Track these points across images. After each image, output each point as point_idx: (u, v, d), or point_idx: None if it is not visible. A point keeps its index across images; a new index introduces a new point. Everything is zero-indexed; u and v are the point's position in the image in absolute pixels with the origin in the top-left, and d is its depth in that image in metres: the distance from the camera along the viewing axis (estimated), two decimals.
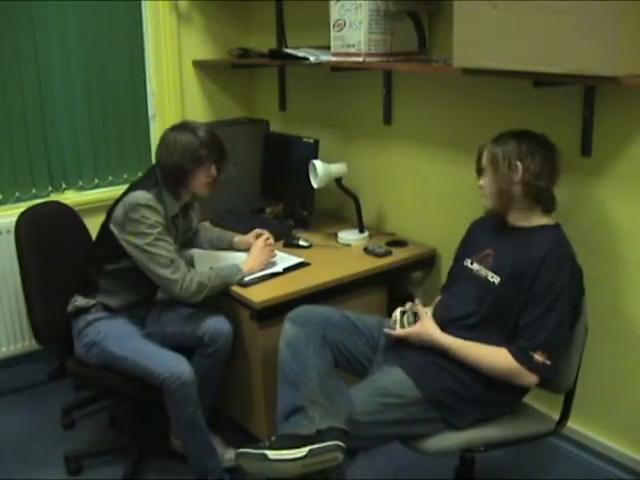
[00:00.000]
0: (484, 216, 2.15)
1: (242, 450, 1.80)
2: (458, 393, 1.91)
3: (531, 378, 1.85)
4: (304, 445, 1.74)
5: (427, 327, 1.99)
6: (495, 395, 1.92)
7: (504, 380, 1.88)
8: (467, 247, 2.16)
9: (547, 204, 1.98)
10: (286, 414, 1.89)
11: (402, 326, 2.05)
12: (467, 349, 1.91)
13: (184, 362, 2.21)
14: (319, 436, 1.76)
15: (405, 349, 2.02)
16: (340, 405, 1.84)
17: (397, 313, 2.08)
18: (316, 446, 1.73)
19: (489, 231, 2.09)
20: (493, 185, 1.97)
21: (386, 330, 2.07)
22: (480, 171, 2.04)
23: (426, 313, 2.05)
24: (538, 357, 1.83)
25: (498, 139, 1.99)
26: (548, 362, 1.83)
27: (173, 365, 2.19)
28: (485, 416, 1.94)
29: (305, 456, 1.73)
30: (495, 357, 1.88)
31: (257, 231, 2.66)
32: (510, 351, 1.86)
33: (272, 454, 1.75)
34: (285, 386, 1.96)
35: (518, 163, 1.92)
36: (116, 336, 2.29)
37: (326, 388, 1.89)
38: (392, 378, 1.94)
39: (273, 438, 1.83)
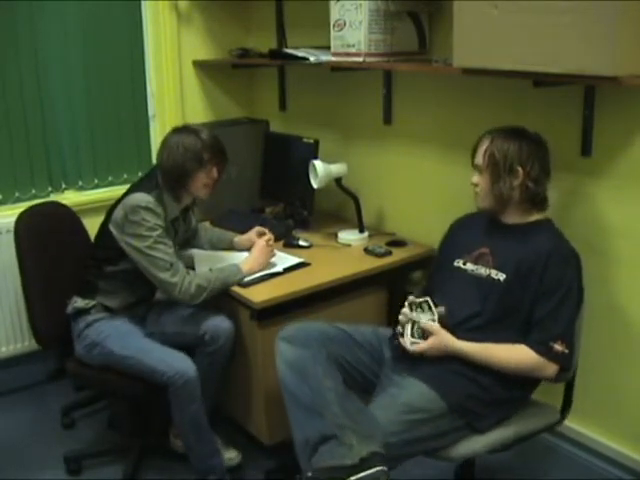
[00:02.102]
0: (466, 215, 2.15)
1: None
2: (479, 397, 1.89)
3: (553, 369, 1.86)
4: (349, 475, 1.65)
5: (443, 338, 1.92)
6: (511, 393, 1.92)
7: (528, 376, 1.89)
8: (453, 248, 2.13)
9: (542, 204, 1.99)
10: (314, 444, 1.76)
11: (412, 336, 1.95)
12: (487, 352, 1.89)
13: (188, 360, 2.23)
14: (363, 464, 1.66)
15: (417, 359, 1.94)
16: (369, 427, 1.75)
17: (407, 325, 1.97)
18: (361, 475, 1.65)
19: (478, 230, 2.08)
20: (490, 187, 1.96)
21: (403, 344, 1.96)
22: (473, 159, 2.02)
23: (434, 321, 1.95)
24: (558, 347, 1.84)
25: (495, 136, 1.96)
26: (567, 351, 1.85)
27: (177, 363, 2.20)
28: (504, 416, 1.93)
29: None
30: (516, 354, 1.88)
31: (258, 229, 2.66)
32: (529, 346, 1.86)
33: None
34: (302, 414, 1.84)
35: (519, 168, 1.91)
36: (119, 336, 2.30)
37: (348, 409, 1.79)
38: (414, 392, 1.86)
39: (309, 474, 1.72)
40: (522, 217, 1.99)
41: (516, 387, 1.91)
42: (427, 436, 1.83)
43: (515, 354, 1.88)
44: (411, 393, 1.86)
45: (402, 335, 1.98)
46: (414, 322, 1.96)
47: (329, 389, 1.84)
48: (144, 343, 2.31)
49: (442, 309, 1.98)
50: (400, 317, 2.02)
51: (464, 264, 2.05)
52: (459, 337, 1.93)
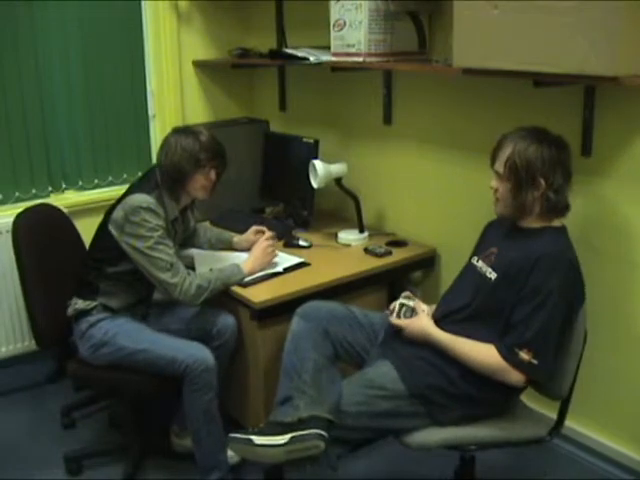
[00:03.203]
0: (496, 218, 2.15)
1: (232, 435, 1.89)
2: (444, 389, 1.92)
3: (516, 376, 1.84)
4: (286, 432, 1.81)
5: (421, 320, 2.01)
6: (485, 394, 1.92)
7: (492, 377, 1.88)
8: (477, 247, 2.17)
9: (562, 211, 1.96)
10: (278, 403, 1.96)
11: (398, 317, 2.06)
12: (456, 343, 1.92)
13: (205, 349, 2.25)
14: (301, 424, 1.82)
15: (398, 343, 2.04)
16: (328, 395, 1.89)
17: (396, 304, 2.09)
18: (298, 433, 1.80)
19: (498, 231, 2.09)
20: (510, 195, 1.92)
21: (386, 315, 2.10)
22: (492, 163, 1.97)
23: (423, 311, 2.06)
24: (524, 355, 1.82)
25: (518, 143, 1.89)
26: (534, 361, 1.82)
27: (196, 351, 2.23)
28: (472, 414, 1.94)
29: (287, 443, 1.80)
30: (482, 352, 1.88)
31: (255, 228, 2.66)
32: (497, 347, 1.86)
33: (257, 439, 1.83)
34: (283, 376, 2.02)
35: (541, 180, 1.87)
36: (128, 332, 2.30)
37: (318, 379, 1.94)
38: (379, 371, 1.97)
39: (261, 424, 1.94)
40: (539, 222, 1.96)
41: (490, 389, 1.90)
42: (385, 413, 1.91)
43: (481, 352, 1.88)
44: (376, 371, 1.98)
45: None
46: (402, 304, 2.08)
47: (310, 359, 1.99)
48: (155, 336, 2.31)
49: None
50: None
51: (477, 261, 2.07)
52: (445, 326, 1.98)
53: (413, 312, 2.06)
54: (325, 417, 1.83)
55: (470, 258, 2.14)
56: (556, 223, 1.97)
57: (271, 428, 1.86)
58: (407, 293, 2.15)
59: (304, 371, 1.96)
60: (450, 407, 1.92)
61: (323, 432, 1.79)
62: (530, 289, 1.84)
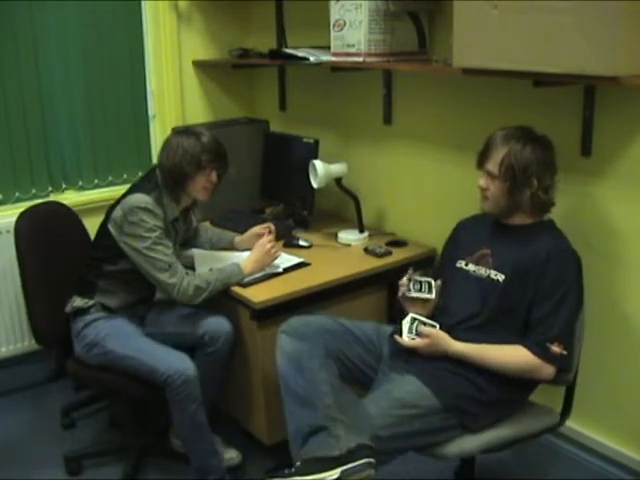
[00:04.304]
0: (471, 216, 2.15)
1: None
2: (474, 397, 1.89)
3: (550, 370, 1.86)
4: (336, 466, 1.68)
5: (440, 337, 1.93)
6: (507, 394, 1.92)
7: (523, 377, 1.88)
8: (456, 248, 2.14)
9: (549, 209, 1.99)
10: (304, 435, 1.80)
11: (410, 333, 1.98)
12: (484, 353, 1.90)
13: (187, 360, 2.23)
14: (350, 455, 1.69)
15: (414, 357, 1.96)
16: (360, 420, 1.78)
17: (407, 319, 2.00)
18: (349, 466, 1.67)
19: (481, 231, 2.08)
20: (503, 194, 1.94)
21: (397, 339, 1.98)
22: (482, 162, 1.98)
23: (434, 326, 1.99)
24: (555, 349, 1.84)
25: (512, 146, 1.91)
26: (565, 352, 1.85)
27: (177, 363, 2.21)
28: (499, 417, 1.93)
29: (338, 478, 1.67)
30: (511, 355, 1.88)
31: (261, 226, 2.65)
32: (527, 347, 1.86)
33: None
34: (296, 405, 1.87)
35: (535, 181, 1.90)
36: (118, 335, 2.30)
37: (340, 402, 1.82)
38: (408, 388, 1.88)
39: (298, 463, 1.74)
40: (526, 219, 1.99)
41: (513, 388, 1.91)
42: (418, 432, 1.84)
43: (511, 355, 1.88)
44: (404, 389, 1.88)
45: (400, 333, 1.99)
46: (414, 319, 1.99)
47: (324, 382, 1.86)
48: (143, 343, 2.31)
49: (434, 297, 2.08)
50: (400, 290, 2.11)
51: (466, 265, 2.06)
52: (457, 336, 1.94)
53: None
54: (368, 444, 1.71)
55: (452, 261, 2.11)
56: (545, 218, 2.00)
57: (315, 465, 1.70)
58: (412, 273, 2.12)
59: (324, 395, 1.82)
60: (481, 414, 1.89)
61: (373, 460, 1.69)
62: (549, 285, 1.86)
